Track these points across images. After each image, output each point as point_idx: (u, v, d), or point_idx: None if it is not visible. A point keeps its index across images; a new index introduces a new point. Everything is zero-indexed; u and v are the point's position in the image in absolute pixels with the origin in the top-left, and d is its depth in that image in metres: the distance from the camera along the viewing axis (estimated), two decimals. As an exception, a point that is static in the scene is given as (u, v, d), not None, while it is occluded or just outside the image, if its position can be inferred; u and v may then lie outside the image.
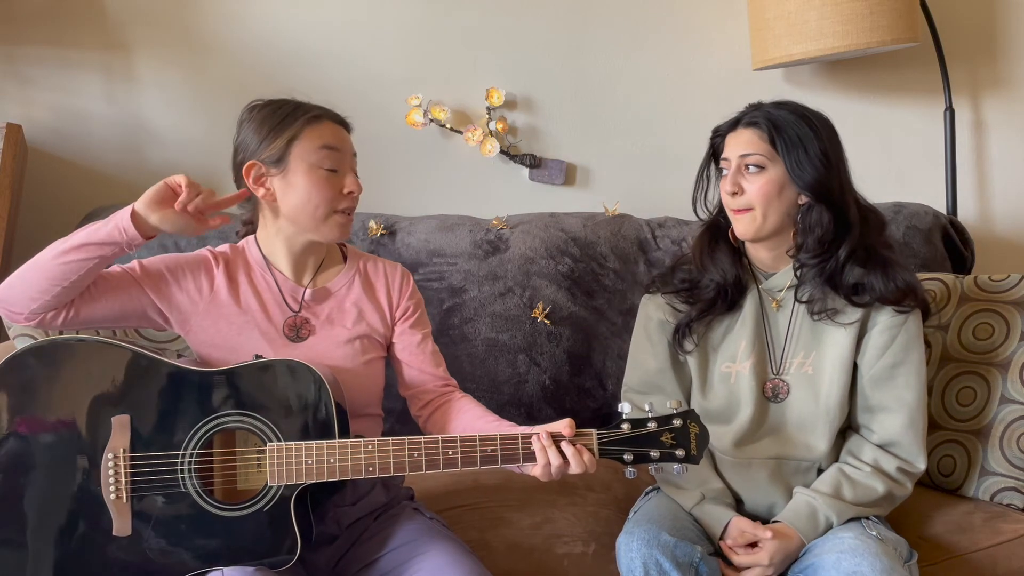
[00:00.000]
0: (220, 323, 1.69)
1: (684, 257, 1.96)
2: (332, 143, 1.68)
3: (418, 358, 1.78)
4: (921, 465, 1.78)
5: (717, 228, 1.89)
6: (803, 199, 1.78)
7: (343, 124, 1.74)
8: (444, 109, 2.61)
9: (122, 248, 1.57)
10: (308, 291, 1.73)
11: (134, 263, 1.70)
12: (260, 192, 1.69)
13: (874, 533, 1.69)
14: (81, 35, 2.55)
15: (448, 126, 2.62)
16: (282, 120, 1.68)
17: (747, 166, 1.77)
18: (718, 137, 1.86)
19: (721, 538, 1.73)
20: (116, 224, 1.56)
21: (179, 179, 1.58)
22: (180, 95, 2.60)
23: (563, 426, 1.56)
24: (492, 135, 2.63)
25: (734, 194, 1.78)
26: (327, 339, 1.72)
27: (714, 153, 1.88)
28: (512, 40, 2.66)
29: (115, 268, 1.68)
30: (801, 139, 1.76)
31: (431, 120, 2.61)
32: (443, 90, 2.64)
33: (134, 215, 1.56)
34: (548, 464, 1.54)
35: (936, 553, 1.84)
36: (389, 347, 1.80)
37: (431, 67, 2.65)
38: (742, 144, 1.78)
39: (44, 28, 2.54)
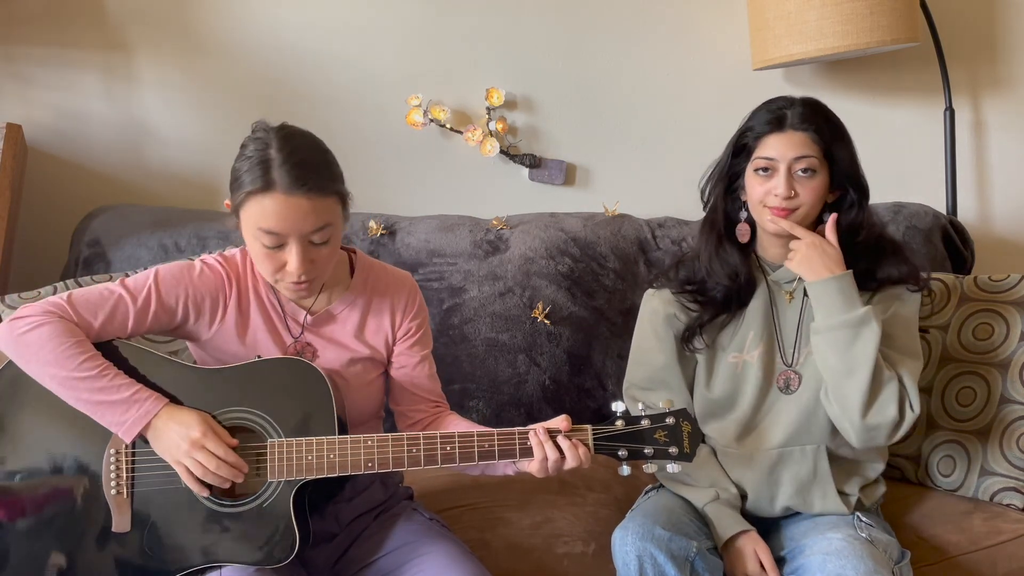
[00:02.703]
0: (229, 345, 1.67)
1: (685, 256, 1.95)
2: (269, 226, 1.51)
3: (413, 380, 1.76)
4: (916, 407, 1.74)
5: (721, 227, 1.86)
6: (831, 197, 1.80)
7: (308, 192, 1.51)
8: (444, 109, 2.61)
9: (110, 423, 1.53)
10: (310, 317, 1.70)
11: (151, 297, 1.60)
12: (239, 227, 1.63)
13: (864, 535, 1.69)
14: (81, 35, 2.55)
15: (448, 126, 2.62)
16: (239, 176, 1.55)
17: (801, 170, 1.75)
18: (748, 134, 1.80)
19: (725, 547, 1.73)
20: (122, 421, 1.51)
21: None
22: (180, 95, 2.60)
23: (559, 421, 1.58)
24: (492, 135, 2.63)
25: (789, 197, 1.75)
26: (330, 362, 1.70)
27: (740, 145, 1.83)
28: (512, 40, 2.66)
29: (130, 307, 1.59)
30: (842, 139, 1.79)
31: (431, 120, 2.61)
32: (443, 90, 2.64)
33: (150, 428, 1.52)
34: (545, 459, 1.55)
35: (936, 553, 1.85)
36: (387, 363, 1.78)
37: (431, 67, 2.64)
38: (796, 147, 1.75)
39: (44, 28, 2.54)
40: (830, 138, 1.76)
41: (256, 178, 1.52)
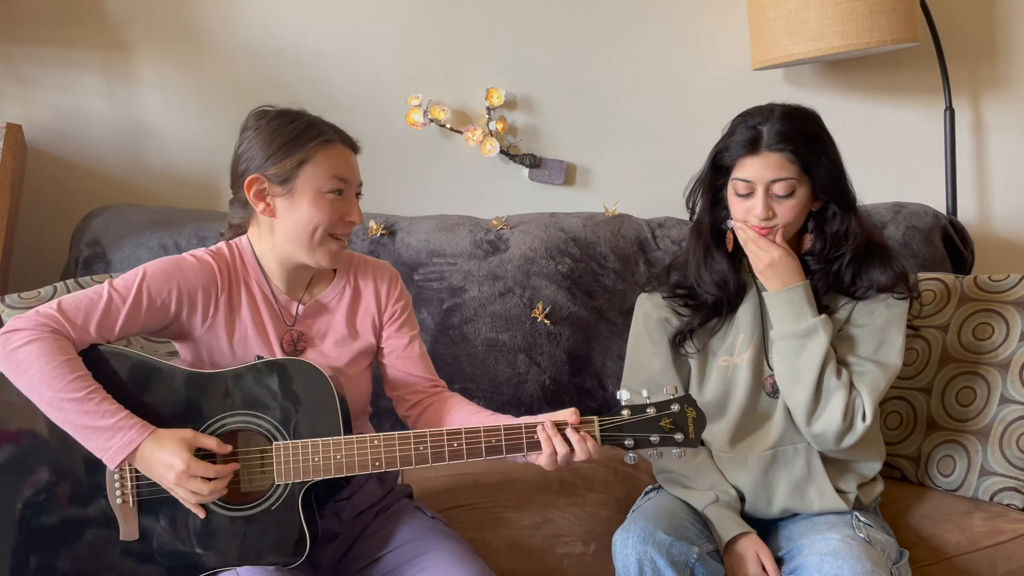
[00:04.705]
0: (222, 339, 1.68)
1: (678, 259, 1.96)
2: (343, 173, 1.65)
3: (405, 361, 1.77)
4: (868, 417, 1.75)
5: (708, 237, 1.86)
6: (816, 206, 1.79)
7: (353, 147, 1.70)
8: (444, 109, 2.61)
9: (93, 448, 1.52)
10: (302, 307, 1.72)
11: (142, 295, 1.60)
12: (260, 207, 1.65)
13: (862, 535, 1.69)
14: (81, 35, 2.55)
15: (448, 126, 2.62)
16: (293, 139, 1.63)
17: (778, 192, 1.74)
18: (724, 154, 1.79)
19: (726, 549, 1.73)
20: (105, 448, 1.51)
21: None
22: (180, 95, 2.60)
23: (568, 414, 1.58)
24: (492, 135, 2.63)
25: (767, 218, 1.75)
26: (322, 352, 1.72)
27: (717, 165, 1.82)
28: (512, 40, 2.66)
29: (121, 308, 1.58)
30: (823, 152, 1.75)
31: (431, 120, 2.61)
32: (443, 90, 2.64)
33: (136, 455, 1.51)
34: (554, 453, 1.55)
35: (936, 553, 1.85)
36: (377, 350, 1.79)
37: (431, 67, 2.64)
38: (771, 169, 1.73)
39: (44, 28, 2.54)
40: (808, 153, 1.74)
41: (319, 133, 1.64)
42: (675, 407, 1.59)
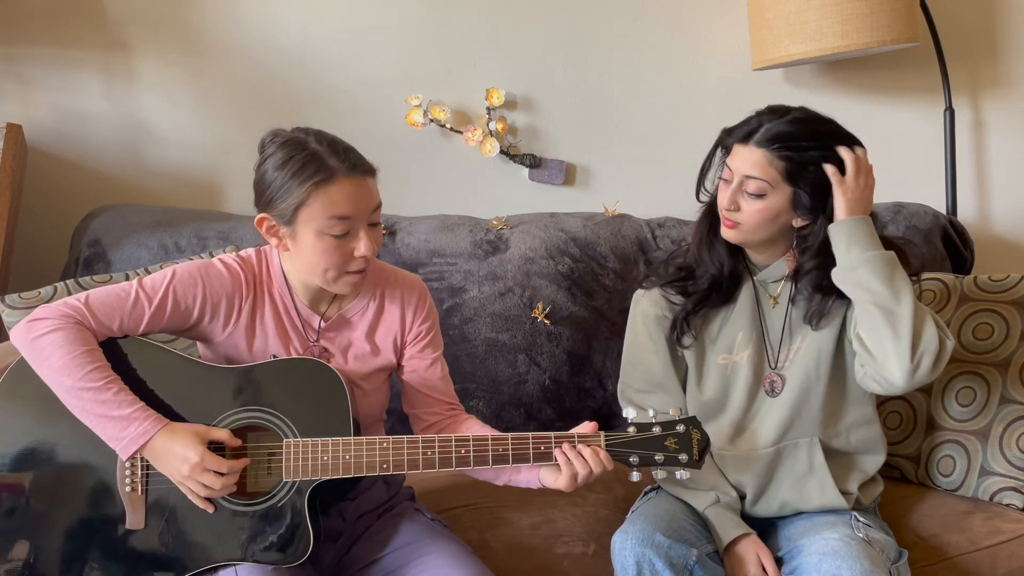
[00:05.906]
0: (242, 347, 1.68)
1: (677, 251, 1.97)
2: (343, 211, 1.57)
3: (426, 382, 1.76)
4: (951, 333, 1.72)
5: (714, 216, 1.85)
6: (799, 222, 1.77)
7: (364, 172, 1.61)
8: (444, 109, 2.61)
9: (108, 441, 1.53)
10: (324, 322, 1.71)
11: (168, 297, 1.61)
12: (273, 242, 1.64)
13: (861, 535, 1.69)
14: (81, 35, 2.55)
15: (448, 126, 2.62)
16: (291, 178, 1.56)
17: (748, 191, 1.73)
18: (728, 138, 1.80)
19: (727, 550, 1.73)
20: (120, 438, 1.52)
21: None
22: (180, 95, 2.60)
23: (586, 428, 1.59)
24: (492, 135, 2.63)
25: (729, 209, 1.76)
26: (345, 367, 1.71)
27: (720, 145, 1.83)
28: (512, 40, 2.66)
29: (146, 307, 1.60)
30: (816, 168, 1.72)
31: (431, 120, 2.61)
32: (443, 90, 2.64)
33: (148, 446, 1.52)
34: (575, 474, 1.55)
35: (935, 553, 1.85)
36: (398, 367, 1.78)
37: (431, 67, 2.64)
38: (749, 164, 1.73)
39: (44, 28, 2.54)
40: (797, 164, 1.71)
41: (316, 171, 1.56)
42: (680, 427, 1.59)
